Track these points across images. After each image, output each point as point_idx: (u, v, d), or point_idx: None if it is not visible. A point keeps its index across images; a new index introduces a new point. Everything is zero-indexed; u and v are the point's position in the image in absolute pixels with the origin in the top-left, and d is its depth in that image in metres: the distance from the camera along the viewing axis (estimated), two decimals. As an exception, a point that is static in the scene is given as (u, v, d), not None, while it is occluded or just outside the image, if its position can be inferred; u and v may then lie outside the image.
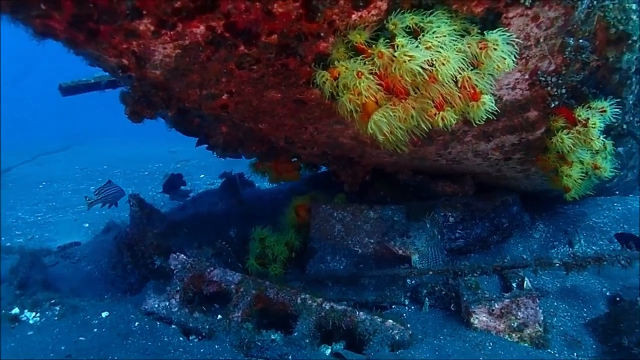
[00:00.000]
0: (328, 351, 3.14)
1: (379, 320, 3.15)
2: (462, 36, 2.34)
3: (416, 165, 4.45)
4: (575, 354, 3.18)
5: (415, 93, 2.35)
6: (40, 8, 2.26)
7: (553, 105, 3.28)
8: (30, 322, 3.20)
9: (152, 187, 10.76)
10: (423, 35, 2.21)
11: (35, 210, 9.50)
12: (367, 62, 2.35)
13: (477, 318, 3.27)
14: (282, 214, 4.75)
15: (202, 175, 12.18)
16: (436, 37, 2.19)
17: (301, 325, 3.16)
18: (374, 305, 3.79)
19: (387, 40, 2.32)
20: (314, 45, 2.52)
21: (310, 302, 3.26)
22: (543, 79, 3.11)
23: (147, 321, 3.23)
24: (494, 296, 3.37)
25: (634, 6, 2.90)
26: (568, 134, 3.30)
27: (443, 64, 2.19)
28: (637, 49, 3.11)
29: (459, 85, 2.34)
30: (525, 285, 3.41)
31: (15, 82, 31.18)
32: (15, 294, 3.61)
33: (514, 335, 3.22)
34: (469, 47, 2.33)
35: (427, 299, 3.75)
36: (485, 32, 2.39)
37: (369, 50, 2.39)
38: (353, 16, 2.40)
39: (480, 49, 2.32)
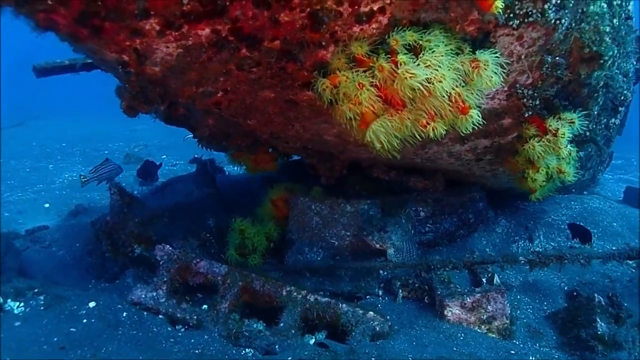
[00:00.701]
0: (312, 341, 3.28)
1: (360, 312, 3.32)
2: (457, 54, 2.51)
3: (392, 162, 4.63)
4: (537, 344, 3.46)
5: (411, 105, 2.51)
6: (47, 3, 2.26)
7: (527, 114, 3.52)
8: (15, 312, 3.16)
9: (115, 168, 10.51)
10: (423, 54, 2.37)
11: (-8, 188, 9.13)
12: (367, 74, 2.48)
13: (450, 311, 3.49)
14: (258, 204, 4.83)
15: (164, 156, 11.98)
16: (434, 56, 2.35)
17: (287, 317, 3.29)
18: (350, 295, 3.97)
19: (388, 56, 2.46)
20: (314, 53, 2.62)
21: (295, 294, 3.39)
22: (520, 91, 3.33)
23: (135, 311, 3.27)
24: (466, 290, 3.61)
25: (607, 29, 3.14)
26: (539, 141, 3.55)
27: (440, 81, 2.36)
28: (607, 67, 3.37)
29: (452, 100, 2.51)
30: (495, 281, 3.66)
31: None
32: (-7, 281, 3.55)
33: (483, 327, 3.46)
34: (462, 64, 2.50)
35: (400, 291, 3.97)
36: (476, 51, 2.57)
37: (368, 62, 2.52)
38: (354, 28, 2.51)
39: (473, 67, 2.50)
